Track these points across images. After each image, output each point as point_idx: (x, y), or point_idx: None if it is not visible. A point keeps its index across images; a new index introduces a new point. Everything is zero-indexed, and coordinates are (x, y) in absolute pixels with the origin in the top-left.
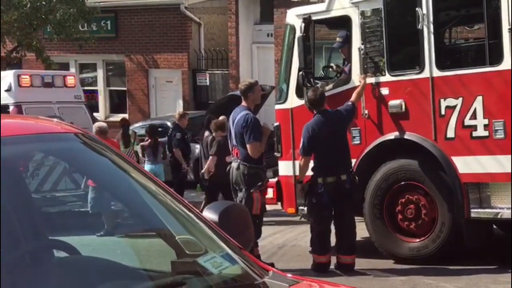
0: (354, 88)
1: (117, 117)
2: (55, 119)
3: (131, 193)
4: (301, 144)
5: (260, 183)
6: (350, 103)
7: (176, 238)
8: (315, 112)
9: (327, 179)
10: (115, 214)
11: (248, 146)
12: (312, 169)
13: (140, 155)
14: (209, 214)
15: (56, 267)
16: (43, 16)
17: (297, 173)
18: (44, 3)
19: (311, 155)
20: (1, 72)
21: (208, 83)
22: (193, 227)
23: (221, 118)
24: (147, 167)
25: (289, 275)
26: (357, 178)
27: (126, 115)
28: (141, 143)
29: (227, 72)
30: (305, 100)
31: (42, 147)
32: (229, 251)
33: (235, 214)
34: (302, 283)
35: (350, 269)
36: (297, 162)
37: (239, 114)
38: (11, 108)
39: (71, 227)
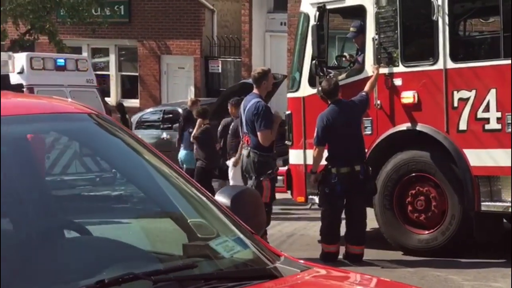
0: (367, 78)
1: (128, 103)
2: (69, 100)
3: (144, 175)
4: (315, 134)
5: (270, 171)
6: (364, 93)
7: (188, 221)
8: (329, 102)
9: (341, 169)
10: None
11: (258, 133)
12: (326, 159)
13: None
14: (222, 198)
15: (66, 247)
16: None
17: (308, 162)
18: None
19: (325, 145)
20: (14, 54)
21: (220, 71)
22: (205, 211)
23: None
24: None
25: (301, 261)
26: (370, 168)
27: (137, 101)
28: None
29: (239, 60)
30: (317, 89)
31: (55, 127)
32: (241, 235)
33: (248, 199)
34: (313, 269)
35: (359, 260)
36: (308, 151)
37: (250, 102)
38: (24, 89)
39: (82, 210)
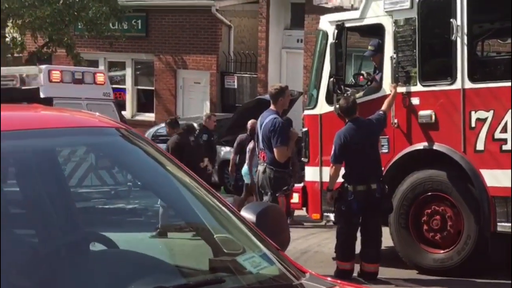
0: (385, 96)
1: (144, 116)
2: (97, 113)
3: (172, 189)
4: (332, 152)
5: (286, 187)
6: (381, 112)
7: (215, 236)
8: (347, 120)
9: (357, 187)
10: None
11: (275, 150)
12: (343, 177)
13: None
14: (247, 214)
15: (93, 260)
16: (75, 13)
17: (324, 179)
18: (77, 0)
19: (342, 163)
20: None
21: (236, 86)
22: (231, 226)
23: (250, 121)
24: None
25: (329, 278)
26: (387, 187)
27: (152, 115)
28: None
29: (255, 76)
30: (335, 107)
31: (84, 141)
32: (267, 251)
33: (273, 215)
34: (339, 286)
35: (373, 278)
36: (324, 168)
37: (267, 118)
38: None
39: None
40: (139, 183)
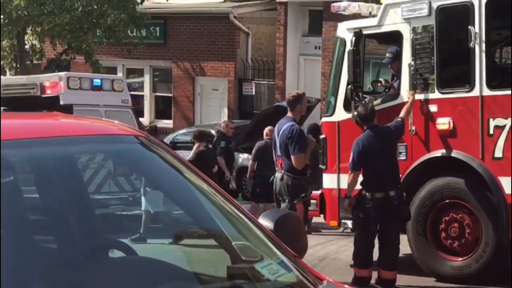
0: (403, 104)
1: (162, 123)
2: (116, 121)
3: (190, 197)
4: (350, 159)
5: (303, 195)
6: (399, 119)
7: (233, 243)
8: (365, 127)
9: (376, 194)
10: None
11: (292, 157)
12: (361, 184)
13: None
14: (265, 222)
15: (112, 267)
16: (94, 20)
17: (342, 186)
18: (95, 7)
19: (360, 170)
20: (51, 74)
21: (254, 93)
22: (249, 233)
23: (267, 128)
24: None
25: (346, 286)
26: (405, 194)
27: (170, 121)
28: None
29: (273, 82)
30: (353, 114)
31: (103, 148)
32: (285, 258)
33: (290, 223)
34: None
35: (391, 285)
36: (342, 175)
37: (284, 125)
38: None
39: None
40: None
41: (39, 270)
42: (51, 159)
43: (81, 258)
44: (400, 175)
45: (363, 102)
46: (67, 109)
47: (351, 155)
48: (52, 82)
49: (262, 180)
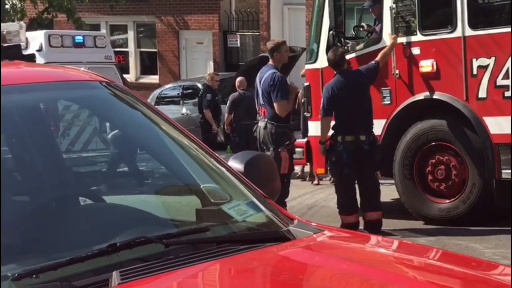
0: (385, 47)
1: (148, 79)
2: (82, 68)
3: (156, 142)
4: (321, 105)
5: (287, 142)
6: (373, 62)
7: (201, 186)
8: (335, 72)
9: (346, 137)
10: None
11: (275, 104)
12: (332, 128)
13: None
14: (235, 164)
15: (80, 213)
16: None
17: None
18: None
19: (332, 115)
20: (32, 32)
21: (239, 45)
22: (218, 177)
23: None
24: None
25: (314, 224)
26: (378, 139)
27: (156, 77)
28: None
29: (258, 33)
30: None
31: (66, 94)
32: (254, 199)
33: (262, 165)
34: (326, 231)
35: (377, 226)
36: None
37: (266, 73)
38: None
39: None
40: (123, 135)
41: (7, 221)
42: (15, 107)
43: (50, 207)
44: (385, 119)
45: (345, 47)
46: (30, 59)
47: (322, 100)
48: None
49: (239, 130)
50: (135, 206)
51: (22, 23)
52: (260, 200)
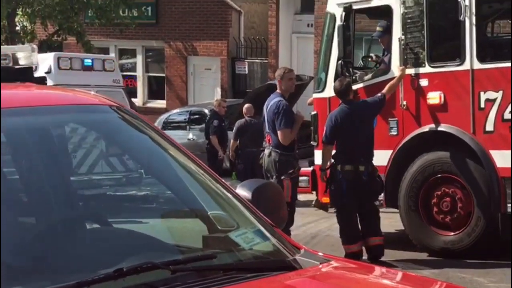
0: (393, 78)
1: (155, 103)
2: (92, 92)
3: (165, 167)
4: (324, 133)
5: (291, 171)
6: (380, 94)
7: (209, 213)
8: (341, 102)
9: (345, 167)
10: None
11: (278, 132)
12: (333, 157)
13: None
14: (243, 192)
15: (87, 237)
16: (85, 0)
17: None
18: None
19: (333, 144)
20: (42, 54)
21: (246, 72)
22: (226, 204)
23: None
24: None
25: (320, 253)
26: (377, 170)
27: (164, 102)
28: None
29: (266, 61)
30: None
31: (75, 118)
32: (261, 227)
33: (269, 193)
34: (333, 261)
35: (380, 251)
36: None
37: (272, 101)
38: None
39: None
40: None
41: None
42: (24, 129)
43: (55, 229)
44: (391, 150)
45: (353, 77)
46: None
47: (325, 128)
48: (25, 53)
49: (245, 157)
50: (142, 231)
51: (34, 45)
52: (267, 229)
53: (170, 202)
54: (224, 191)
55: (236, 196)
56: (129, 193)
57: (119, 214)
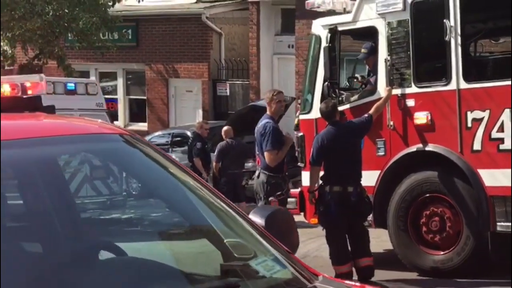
0: (380, 99)
1: (137, 126)
2: (99, 120)
3: (179, 195)
4: (311, 154)
5: (279, 193)
6: (366, 115)
7: (225, 241)
8: (327, 123)
9: (333, 188)
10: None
11: (265, 153)
12: (321, 178)
13: None
14: (255, 218)
15: (102, 268)
16: (66, 24)
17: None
18: (67, 11)
19: (321, 165)
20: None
21: (228, 94)
22: (241, 230)
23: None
24: None
25: (338, 280)
26: (366, 192)
27: (145, 124)
28: None
29: (247, 82)
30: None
31: (88, 147)
32: (278, 255)
33: (281, 218)
34: None
35: (370, 272)
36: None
37: (260, 123)
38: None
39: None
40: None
41: (26, 276)
42: (34, 161)
43: (70, 261)
44: (379, 171)
45: (339, 98)
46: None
47: (311, 150)
48: (33, 82)
49: (227, 179)
50: (157, 259)
51: (42, 75)
52: (284, 256)
53: (185, 231)
54: (238, 217)
55: (251, 223)
56: (144, 221)
57: (132, 242)
